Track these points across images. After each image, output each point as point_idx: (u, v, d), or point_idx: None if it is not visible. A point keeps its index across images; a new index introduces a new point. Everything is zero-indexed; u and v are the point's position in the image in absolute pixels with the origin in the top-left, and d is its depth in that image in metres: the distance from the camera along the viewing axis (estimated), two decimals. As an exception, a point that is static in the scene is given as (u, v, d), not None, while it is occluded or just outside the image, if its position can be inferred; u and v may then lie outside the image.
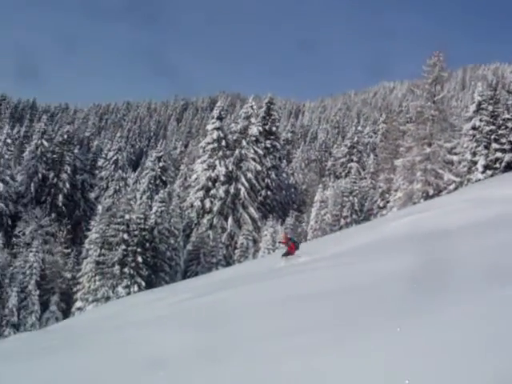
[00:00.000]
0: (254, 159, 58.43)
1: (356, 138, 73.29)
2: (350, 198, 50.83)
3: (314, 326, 8.59)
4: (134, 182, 72.70)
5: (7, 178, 57.49)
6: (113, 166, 77.06)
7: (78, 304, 43.31)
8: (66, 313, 44.01)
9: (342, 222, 49.54)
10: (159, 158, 66.01)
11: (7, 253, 48.24)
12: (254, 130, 60.17)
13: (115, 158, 78.81)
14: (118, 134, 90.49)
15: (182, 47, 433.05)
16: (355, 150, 71.84)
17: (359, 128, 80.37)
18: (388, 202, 44.74)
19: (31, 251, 46.80)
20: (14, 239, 51.67)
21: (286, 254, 25.26)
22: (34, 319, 42.65)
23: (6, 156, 58.53)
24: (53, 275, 46.96)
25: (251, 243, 52.03)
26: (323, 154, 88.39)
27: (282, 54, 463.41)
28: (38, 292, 44.19)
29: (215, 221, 55.07)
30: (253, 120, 61.23)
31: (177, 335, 11.72)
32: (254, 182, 58.16)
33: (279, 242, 33.02)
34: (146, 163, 72.31)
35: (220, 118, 60.05)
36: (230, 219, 55.60)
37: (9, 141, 60.17)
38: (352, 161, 70.42)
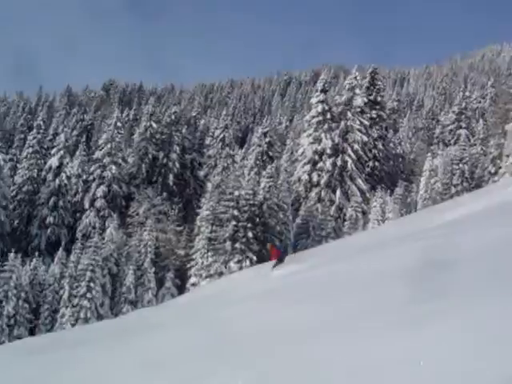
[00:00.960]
0: (359, 130, 57.33)
1: (464, 104, 70.47)
2: (460, 165, 48.79)
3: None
4: (242, 158, 73.44)
5: (119, 161, 59.86)
6: (220, 144, 78.20)
7: (192, 280, 44.57)
8: (181, 289, 45.39)
9: (453, 190, 47.70)
10: (265, 134, 66.32)
11: (122, 232, 50.49)
12: (358, 101, 58.99)
13: (222, 135, 79.92)
14: (224, 112, 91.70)
15: (283, 20, 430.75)
16: (463, 116, 69.19)
17: (467, 93, 77.13)
18: (500, 168, 42.69)
19: (145, 230, 48.65)
20: (128, 219, 53.91)
21: (277, 264, 26.29)
22: (151, 296, 44.37)
23: (117, 139, 60.87)
24: (167, 253, 48.58)
25: (360, 215, 51.29)
26: (430, 121, 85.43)
27: (383, 22, 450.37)
28: (153, 269, 45.89)
29: (323, 194, 54.67)
30: (357, 91, 60.03)
31: (283, 309, 11.66)
32: (361, 153, 57.13)
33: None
34: (253, 139, 72.89)
35: (324, 91, 59.26)
36: (338, 192, 55.00)
37: (119, 124, 62.52)
38: (461, 127, 67.74)
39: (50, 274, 45.90)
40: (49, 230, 54.71)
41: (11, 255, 45.06)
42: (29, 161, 60.44)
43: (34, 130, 64.27)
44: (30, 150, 61.67)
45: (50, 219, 54.95)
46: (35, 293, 44.94)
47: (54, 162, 58.61)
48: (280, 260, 26.69)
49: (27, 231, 55.90)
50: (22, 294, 43.48)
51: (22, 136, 74.50)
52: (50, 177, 57.72)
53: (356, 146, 56.59)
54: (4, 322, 42.38)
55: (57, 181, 57.11)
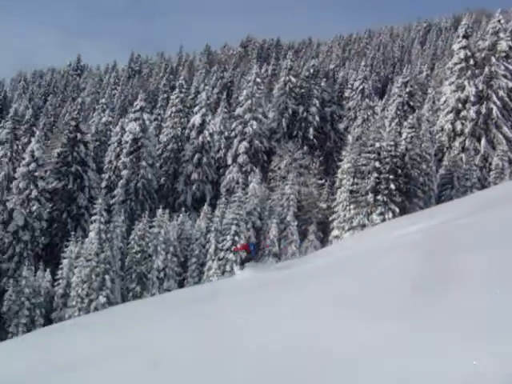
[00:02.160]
0: (505, 76, 53.87)
1: None
2: None
3: None
4: (382, 109, 71.70)
5: (260, 116, 60.72)
6: (359, 96, 76.88)
7: (335, 232, 44.73)
8: (324, 241, 45.72)
9: None
10: (405, 84, 64.21)
11: (265, 187, 51.53)
12: (503, 46, 55.30)
13: (361, 87, 78.47)
14: (362, 63, 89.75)
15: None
16: None
17: None
18: None
19: (287, 184, 49.32)
20: (270, 174, 54.91)
21: (246, 261, 24.92)
22: (294, 248, 45.14)
23: (257, 95, 61.64)
24: (309, 206, 49.02)
25: (507, 164, 48.62)
26: None
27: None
28: (296, 222, 46.56)
29: (467, 143, 52.30)
30: (501, 35, 56.22)
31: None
32: (507, 99, 53.77)
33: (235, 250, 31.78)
34: (393, 90, 70.86)
35: (466, 37, 56.15)
36: (482, 140, 52.37)
37: (258, 80, 63.19)
38: None
39: (197, 229, 47.91)
40: (194, 186, 56.93)
41: (159, 211, 47.58)
42: (173, 119, 62.83)
43: (177, 90, 66.60)
44: (174, 109, 64.06)
45: (194, 175, 57.11)
46: (183, 247, 47.16)
47: (196, 119, 60.58)
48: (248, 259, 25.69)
49: (173, 188, 58.52)
50: (171, 249, 45.82)
51: (165, 96, 77.39)
52: (193, 134, 59.78)
53: (501, 93, 53.38)
54: (154, 276, 45.03)
55: (200, 138, 59.03)
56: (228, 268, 43.64)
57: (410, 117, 50.56)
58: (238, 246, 32.75)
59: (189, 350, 12.28)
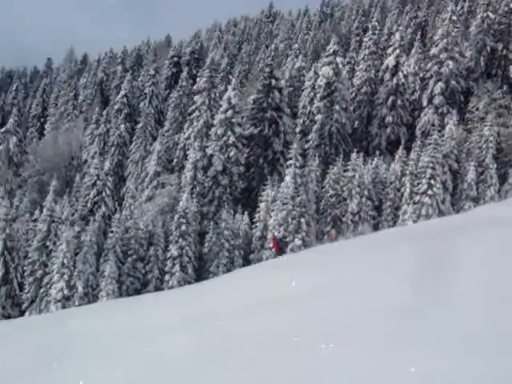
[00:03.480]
0: None
1: None
2: None
3: None
4: None
5: (456, 56, 58.15)
6: None
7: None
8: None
9: None
10: None
11: (462, 129, 49.80)
12: None
13: None
14: None
15: None
16: None
17: None
18: None
19: (485, 125, 47.23)
20: (467, 115, 52.81)
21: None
22: (493, 192, 43.44)
23: (453, 33, 58.95)
24: (509, 148, 46.66)
25: None
26: None
27: None
28: (495, 165, 44.64)
29: None
30: None
31: None
32: None
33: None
34: None
35: None
36: None
37: (454, 18, 60.41)
38: None
39: (391, 172, 47.71)
40: (388, 129, 56.40)
41: (353, 155, 48.12)
42: (366, 62, 62.27)
43: (369, 32, 65.68)
44: (367, 51, 63.37)
45: (388, 118, 56.51)
46: (377, 190, 47.30)
47: (390, 61, 59.54)
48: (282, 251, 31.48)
49: (367, 131, 58.47)
50: (365, 192, 46.23)
51: (358, 38, 76.63)
52: (387, 76, 58.93)
53: None
54: (349, 219, 45.86)
55: (394, 80, 58.07)
56: (423, 212, 43.26)
57: None
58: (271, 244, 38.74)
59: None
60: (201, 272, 47.92)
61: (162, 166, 56.26)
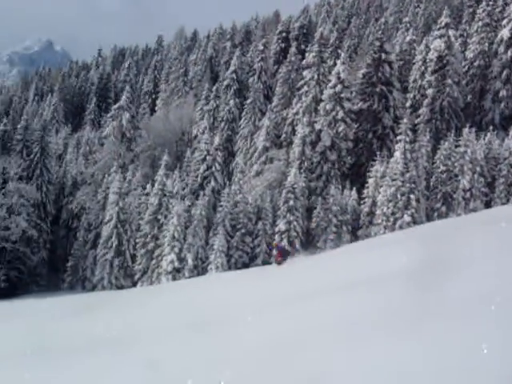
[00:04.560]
0: None
1: None
2: None
3: None
4: None
5: None
6: None
7: None
8: None
9: None
10: None
11: None
12: None
13: None
14: None
15: None
16: None
17: None
18: None
19: None
20: None
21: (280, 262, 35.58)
22: None
23: None
24: None
25: None
26: None
27: None
28: None
29: None
30: None
31: None
32: None
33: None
34: None
35: None
36: None
37: None
38: None
39: (505, 148, 46.41)
40: (502, 104, 54.65)
41: (465, 130, 47.14)
42: (479, 35, 60.37)
43: (483, 3, 63.44)
44: (480, 23, 61.36)
45: (503, 92, 54.71)
46: (490, 167, 46.22)
47: (505, 33, 57.37)
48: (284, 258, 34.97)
49: (480, 106, 56.91)
50: (477, 168, 45.31)
51: (471, 10, 74.15)
52: (501, 49, 56.90)
53: None
54: (460, 196, 45.15)
55: (509, 53, 55.99)
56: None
57: None
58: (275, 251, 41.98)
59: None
60: (308, 247, 48.78)
61: (270, 141, 57.29)
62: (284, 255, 40.52)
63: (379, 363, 9.82)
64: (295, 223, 47.76)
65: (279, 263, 41.18)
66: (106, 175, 62.83)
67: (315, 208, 49.16)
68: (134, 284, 54.25)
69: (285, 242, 46.81)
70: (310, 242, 49.06)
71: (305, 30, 76.67)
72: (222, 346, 14.91)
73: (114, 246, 55.49)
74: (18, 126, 69.03)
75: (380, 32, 59.00)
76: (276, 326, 16.36)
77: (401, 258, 20.51)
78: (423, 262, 18.36)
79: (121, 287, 54.49)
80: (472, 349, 8.82)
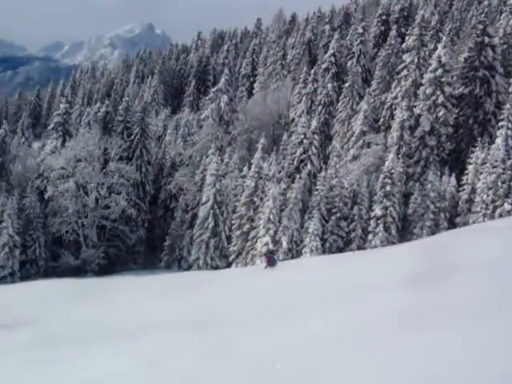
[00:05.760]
0: None
1: None
2: None
3: None
4: None
5: None
6: None
7: None
8: None
9: None
10: None
11: None
12: None
13: None
14: None
15: None
16: None
17: None
18: None
19: None
20: None
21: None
22: None
23: None
24: None
25: None
26: None
27: None
28: None
29: None
30: None
31: None
32: None
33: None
34: None
35: None
36: None
37: None
38: None
39: None
40: None
41: None
42: None
43: None
44: None
45: None
46: None
47: None
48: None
49: None
50: None
51: None
52: None
53: None
54: None
55: None
56: None
57: None
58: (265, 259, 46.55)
59: None
60: (404, 233, 48.74)
61: (368, 126, 57.34)
62: (273, 263, 44.15)
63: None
64: (391, 209, 47.82)
65: (270, 265, 44.14)
66: (204, 157, 64.72)
67: (412, 194, 49.02)
68: (229, 265, 55.86)
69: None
70: (406, 228, 49.01)
71: (405, 13, 75.74)
72: (279, 338, 15.41)
73: (210, 226, 57.29)
74: (119, 108, 71.87)
75: (483, 15, 57.55)
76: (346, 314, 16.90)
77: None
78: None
79: (216, 267, 56.21)
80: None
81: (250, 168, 57.69)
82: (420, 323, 13.12)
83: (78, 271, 60.83)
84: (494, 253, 20.61)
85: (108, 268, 62.41)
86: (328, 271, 36.11)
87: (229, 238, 57.02)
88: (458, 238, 37.84)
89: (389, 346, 11.66)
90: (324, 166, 55.47)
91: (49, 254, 62.50)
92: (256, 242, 53.05)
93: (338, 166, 53.70)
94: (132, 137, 68.21)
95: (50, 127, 73.77)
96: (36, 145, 77.11)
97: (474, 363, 9.47)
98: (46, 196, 63.19)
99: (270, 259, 44.51)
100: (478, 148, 47.85)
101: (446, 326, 12.49)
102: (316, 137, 58.41)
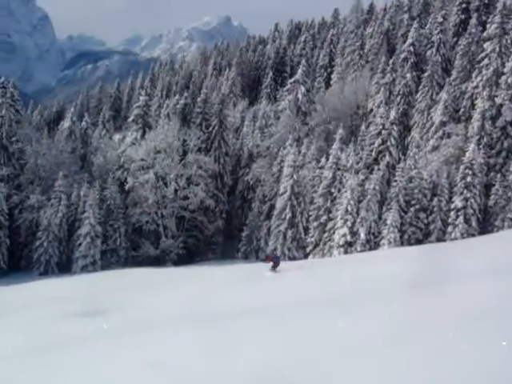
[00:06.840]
0: None
1: None
2: None
3: None
4: None
5: None
6: None
7: None
8: None
9: None
10: None
11: None
12: None
13: None
14: None
15: None
16: None
17: None
18: None
19: None
20: None
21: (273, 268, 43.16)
22: None
23: None
24: None
25: None
26: None
27: None
28: None
29: None
30: None
31: None
32: None
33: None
34: None
35: None
36: None
37: None
38: None
39: None
40: None
41: None
42: None
43: None
44: None
45: None
46: None
47: None
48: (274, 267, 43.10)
49: None
50: None
51: None
52: None
53: None
54: None
55: None
56: None
57: None
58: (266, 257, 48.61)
59: None
60: (485, 225, 48.08)
61: (448, 116, 56.55)
62: (276, 263, 43.75)
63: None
64: (472, 200, 47.28)
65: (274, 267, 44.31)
66: (281, 148, 65.42)
67: (494, 185, 48.27)
68: (306, 256, 56.38)
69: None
70: (486, 220, 48.34)
71: (486, 1, 73.92)
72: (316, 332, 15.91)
73: (287, 217, 57.97)
74: (198, 100, 73.40)
75: None
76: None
77: None
78: None
79: (293, 258, 56.85)
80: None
81: (327, 159, 58.01)
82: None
83: (158, 261, 62.75)
84: None
85: (186, 258, 64.13)
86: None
87: (306, 229, 57.53)
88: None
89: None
90: (403, 157, 55.22)
91: (129, 243, 64.65)
92: (333, 233, 53.38)
93: (417, 156, 53.32)
94: (210, 128, 69.67)
95: (130, 119, 76.06)
96: (117, 137, 79.50)
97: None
98: (126, 187, 65.37)
99: (273, 259, 45.45)
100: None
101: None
102: (395, 127, 58.19)
